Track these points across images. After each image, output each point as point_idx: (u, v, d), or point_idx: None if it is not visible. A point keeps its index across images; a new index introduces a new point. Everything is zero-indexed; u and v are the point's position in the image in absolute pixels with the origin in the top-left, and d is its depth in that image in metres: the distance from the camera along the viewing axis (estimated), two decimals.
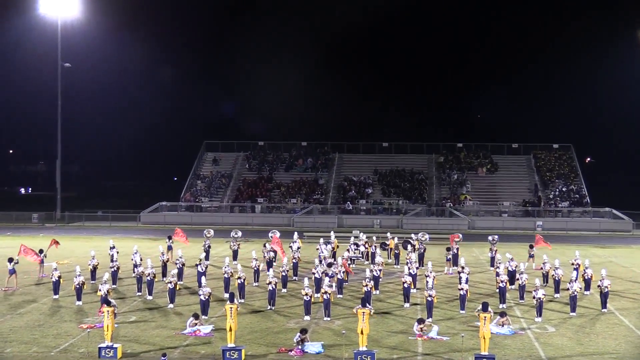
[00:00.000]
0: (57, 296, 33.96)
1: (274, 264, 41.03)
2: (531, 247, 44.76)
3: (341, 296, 34.63)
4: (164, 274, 38.30)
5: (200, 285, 32.07)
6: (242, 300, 32.72)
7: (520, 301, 33.64)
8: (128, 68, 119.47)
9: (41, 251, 41.15)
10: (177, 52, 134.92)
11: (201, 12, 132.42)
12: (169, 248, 44.44)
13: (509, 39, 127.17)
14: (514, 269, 36.71)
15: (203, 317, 29.11)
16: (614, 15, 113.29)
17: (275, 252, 43.05)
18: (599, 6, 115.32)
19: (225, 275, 34.72)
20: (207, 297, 30.04)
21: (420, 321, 28.00)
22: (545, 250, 44.69)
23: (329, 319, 29.89)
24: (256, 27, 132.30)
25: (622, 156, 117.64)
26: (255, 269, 37.84)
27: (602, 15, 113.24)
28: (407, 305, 32.74)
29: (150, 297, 33.94)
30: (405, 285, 33.02)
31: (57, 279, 33.97)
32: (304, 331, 25.89)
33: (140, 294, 34.89)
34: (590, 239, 64.87)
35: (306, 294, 29.97)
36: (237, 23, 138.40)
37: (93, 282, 37.21)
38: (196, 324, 27.83)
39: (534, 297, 30.62)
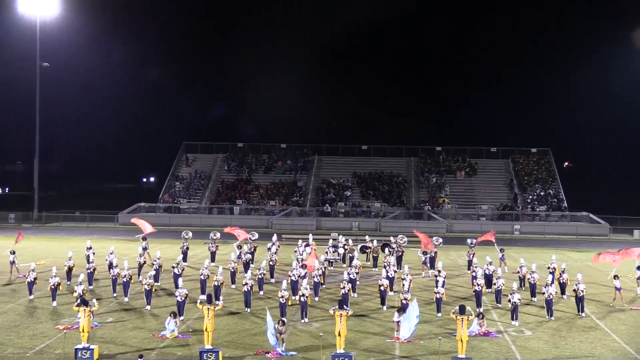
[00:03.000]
0: (32, 297, 33.74)
1: (251, 265, 40.96)
2: (502, 250, 44.78)
3: (317, 298, 34.63)
4: (139, 275, 38.13)
5: (177, 287, 31.97)
6: (218, 302, 32.61)
7: (497, 305, 33.78)
8: (108, 68, 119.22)
9: (13, 252, 40.86)
10: (158, 52, 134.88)
11: (181, 12, 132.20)
12: (144, 249, 44.18)
13: (489, 44, 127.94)
14: (491, 272, 36.88)
15: (180, 318, 29.05)
16: (592, 21, 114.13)
17: (252, 254, 43.15)
18: (577, 13, 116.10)
19: (202, 277, 34.67)
20: (183, 299, 29.96)
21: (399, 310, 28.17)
22: (523, 254, 44.90)
23: (306, 320, 29.89)
24: (237, 31, 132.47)
25: (600, 161, 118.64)
26: (232, 271, 37.79)
27: (580, 22, 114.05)
28: (384, 308, 32.79)
29: (126, 299, 33.78)
30: (382, 288, 33.08)
31: (32, 279, 33.77)
32: (281, 322, 25.94)
33: (115, 295, 34.70)
34: (568, 243, 65.26)
35: (282, 297, 29.93)
36: (219, 25, 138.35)
37: (69, 283, 37.01)
38: (176, 323, 27.73)
39: (509, 301, 30.77)
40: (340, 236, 49.25)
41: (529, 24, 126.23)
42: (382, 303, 33.08)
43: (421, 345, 26.70)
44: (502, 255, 43.99)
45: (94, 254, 40.47)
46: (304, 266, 36.60)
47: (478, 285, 33.30)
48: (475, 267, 37.66)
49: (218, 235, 48.58)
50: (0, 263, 43.63)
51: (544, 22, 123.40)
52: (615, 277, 35.43)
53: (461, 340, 24.36)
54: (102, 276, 38.90)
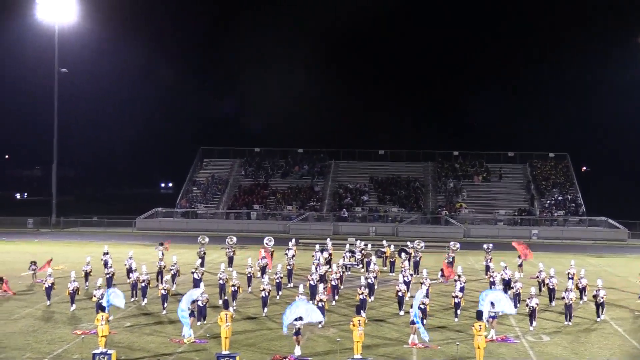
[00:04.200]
0: (49, 302, 33.81)
1: (269, 270, 40.96)
2: (519, 257, 44.63)
3: (334, 303, 34.61)
4: (160, 280, 38.17)
5: None
6: (234, 307, 32.65)
7: (515, 309, 33.62)
8: (124, 73, 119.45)
9: (34, 262, 41.17)
10: (174, 57, 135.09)
11: (198, 17, 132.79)
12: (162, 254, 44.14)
13: (506, 47, 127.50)
14: (509, 277, 36.72)
15: (200, 322, 29.14)
16: (610, 25, 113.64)
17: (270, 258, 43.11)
18: (594, 16, 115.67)
19: (220, 282, 34.64)
20: (204, 303, 29.98)
21: None
22: (541, 259, 44.72)
23: (320, 326, 29.85)
24: (253, 35, 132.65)
25: (618, 165, 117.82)
26: (249, 275, 37.74)
27: (598, 25, 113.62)
28: (401, 313, 32.69)
29: (144, 304, 33.85)
30: (400, 293, 32.97)
31: (50, 285, 33.90)
32: (299, 318, 25.87)
33: (134, 299, 34.78)
34: (586, 247, 64.88)
35: None
36: (237, 32, 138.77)
37: (87, 288, 37.14)
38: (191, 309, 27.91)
39: (527, 306, 30.63)
40: (358, 241, 49.17)
41: (547, 28, 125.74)
42: (400, 308, 32.99)
43: (438, 350, 26.61)
44: (521, 262, 43.89)
45: (111, 259, 40.54)
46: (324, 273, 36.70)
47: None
48: (493, 272, 37.50)
49: (235, 240, 48.60)
50: (17, 268, 43.87)
51: (561, 26, 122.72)
52: None
53: (478, 347, 24.25)
54: (121, 281, 38.99)
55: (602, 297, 32.03)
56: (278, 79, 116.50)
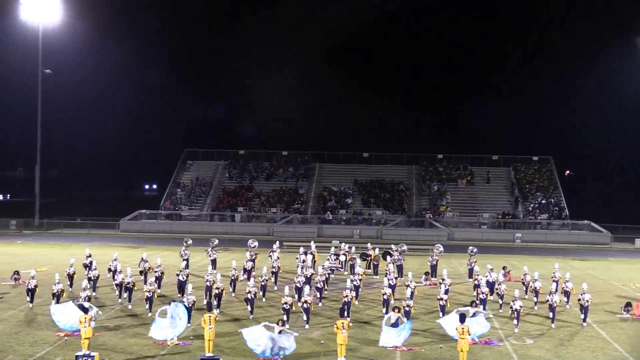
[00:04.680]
0: (31, 304, 33.55)
1: (254, 273, 40.83)
2: (504, 268, 44.58)
3: (320, 304, 34.60)
4: (146, 282, 37.98)
5: (184, 293, 31.97)
6: (218, 310, 32.57)
7: (499, 311, 33.74)
8: (109, 74, 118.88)
9: (17, 272, 40.86)
10: (159, 59, 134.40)
11: (182, 19, 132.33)
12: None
13: (490, 52, 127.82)
14: (493, 280, 36.82)
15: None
16: (594, 29, 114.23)
17: (253, 260, 42.93)
18: (578, 22, 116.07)
19: (208, 284, 34.51)
20: (190, 305, 29.88)
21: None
22: (525, 262, 44.88)
23: (307, 327, 29.86)
24: (238, 39, 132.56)
25: (601, 169, 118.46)
26: (233, 278, 37.61)
27: (582, 30, 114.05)
28: (386, 315, 32.69)
29: (130, 306, 33.70)
30: (385, 297, 33.00)
31: (32, 287, 33.65)
32: (281, 322, 25.82)
33: (120, 300, 34.64)
34: (569, 251, 65.16)
35: (285, 303, 29.91)
36: (220, 33, 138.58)
37: (71, 289, 36.92)
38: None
39: (511, 308, 30.77)
40: (343, 243, 49.16)
41: (531, 33, 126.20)
42: (386, 312, 32.95)
43: (422, 353, 26.65)
44: (504, 272, 43.88)
45: (94, 261, 40.19)
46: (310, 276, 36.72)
47: (482, 293, 33.40)
48: (478, 275, 37.53)
49: (216, 242, 48.38)
50: (0, 270, 43.64)
51: (546, 31, 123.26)
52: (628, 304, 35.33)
53: (462, 350, 24.31)
54: (104, 283, 38.81)
55: (587, 301, 32.11)
56: (263, 82, 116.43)
